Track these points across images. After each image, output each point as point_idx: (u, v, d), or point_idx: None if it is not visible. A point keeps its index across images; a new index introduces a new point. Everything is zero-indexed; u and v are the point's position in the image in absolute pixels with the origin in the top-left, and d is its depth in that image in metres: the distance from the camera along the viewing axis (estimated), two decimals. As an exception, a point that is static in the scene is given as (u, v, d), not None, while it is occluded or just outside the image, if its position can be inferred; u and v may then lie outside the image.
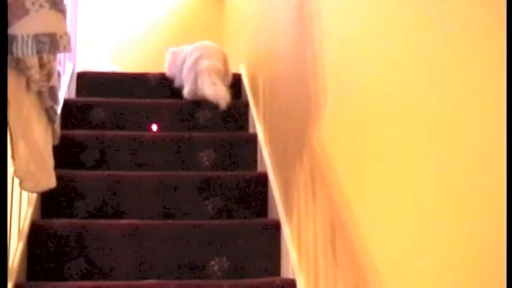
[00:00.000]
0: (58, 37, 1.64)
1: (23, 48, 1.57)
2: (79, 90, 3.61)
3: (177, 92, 3.57)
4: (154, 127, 3.04)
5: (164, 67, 3.73)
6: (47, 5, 1.63)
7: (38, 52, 1.60)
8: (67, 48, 1.67)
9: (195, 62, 3.42)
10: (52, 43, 1.61)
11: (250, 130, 3.33)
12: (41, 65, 1.84)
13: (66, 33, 1.69)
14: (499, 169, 0.93)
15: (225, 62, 3.51)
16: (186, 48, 3.64)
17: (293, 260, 2.27)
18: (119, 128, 3.22)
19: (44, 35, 1.59)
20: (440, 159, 1.13)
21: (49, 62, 1.92)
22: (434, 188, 1.16)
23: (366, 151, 1.56)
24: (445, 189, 1.11)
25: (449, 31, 1.11)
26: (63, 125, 3.14)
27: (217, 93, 3.28)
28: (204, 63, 3.38)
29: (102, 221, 2.48)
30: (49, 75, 1.94)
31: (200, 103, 3.32)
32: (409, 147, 1.28)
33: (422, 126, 1.22)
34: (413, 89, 1.27)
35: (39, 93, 1.93)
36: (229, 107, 3.32)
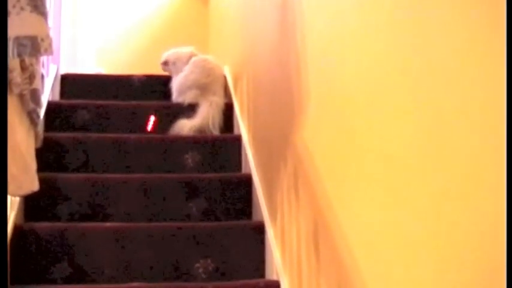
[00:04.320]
0: (39, 40, 1.64)
1: (3, 51, 1.57)
2: (63, 93, 3.59)
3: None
4: (150, 123, 2.86)
5: (149, 69, 3.79)
6: (28, 8, 1.62)
7: (19, 55, 1.60)
8: (48, 51, 1.67)
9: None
10: (33, 46, 1.61)
11: (235, 131, 3.33)
12: (23, 68, 1.83)
13: (47, 36, 1.68)
14: (490, 171, 0.94)
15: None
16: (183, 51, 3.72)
17: (277, 262, 2.27)
18: (103, 130, 3.21)
19: (25, 37, 1.58)
20: (425, 158, 1.14)
21: (31, 64, 1.91)
22: (419, 188, 1.16)
23: (348, 152, 1.56)
24: (431, 189, 1.12)
25: (437, 29, 1.12)
26: (47, 128, 3.13)
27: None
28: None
29: (86, 224, 2.47)
30: (31, 78, 1.93)
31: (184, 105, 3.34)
32: (392, 147, 1.29)
33: (407, 126, 1.22)
34: (398, 89, 1.27)
35: (21, 96, 1.92)
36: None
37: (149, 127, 2.65)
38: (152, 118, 2.67)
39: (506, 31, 0.86)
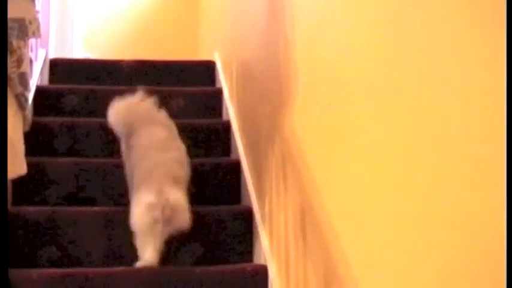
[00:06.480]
0: (27, 23, 1.63)
1: (-10, 33, 1.56)
2: (52, 77, 3.57)
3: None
4: None
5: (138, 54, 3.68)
6: (15, -10, 1.61)
7: (7, 38, 1.59)
8: (36, 34, 1.66)
9: None
10: (20, 29, 1.60)
11: (224, 117, 3.33)
12: (10, 51, 1.82)
13: (35, 19, 1.67)
14: (484, 166, 0.95)
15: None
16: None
17: (265, 247, 2.28)
18: (91, 115, 3.20)
19: (12, 20, 1.57)
20: (415, 146, 1.15)
21: (19, 48, 1.90)
22: (407, 175, 1.17)
23: (336, 139, 1.57)
24: (419, 177, 1.12)
25: (427, 20, 1.12)
26: (36, 112, 3.11)
27: None
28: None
29: (74, 208, 2.47)
30: (19, 62, 1.92)
31: (174, 92, 3.33)
32: (382, 136, 1.30)
33: (395, 113, 1.23)
34: (387, 76, 1.28)
35: (9, 79, 1.92)
36: (203, 95, 3.32)
37: None
38: None
39: (506, 28, 0.87)
